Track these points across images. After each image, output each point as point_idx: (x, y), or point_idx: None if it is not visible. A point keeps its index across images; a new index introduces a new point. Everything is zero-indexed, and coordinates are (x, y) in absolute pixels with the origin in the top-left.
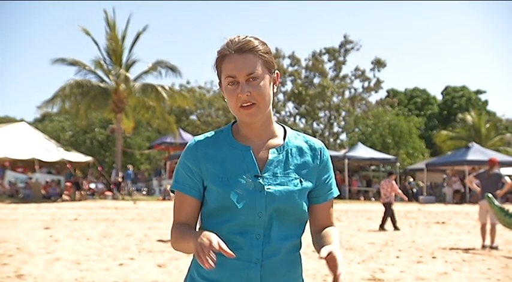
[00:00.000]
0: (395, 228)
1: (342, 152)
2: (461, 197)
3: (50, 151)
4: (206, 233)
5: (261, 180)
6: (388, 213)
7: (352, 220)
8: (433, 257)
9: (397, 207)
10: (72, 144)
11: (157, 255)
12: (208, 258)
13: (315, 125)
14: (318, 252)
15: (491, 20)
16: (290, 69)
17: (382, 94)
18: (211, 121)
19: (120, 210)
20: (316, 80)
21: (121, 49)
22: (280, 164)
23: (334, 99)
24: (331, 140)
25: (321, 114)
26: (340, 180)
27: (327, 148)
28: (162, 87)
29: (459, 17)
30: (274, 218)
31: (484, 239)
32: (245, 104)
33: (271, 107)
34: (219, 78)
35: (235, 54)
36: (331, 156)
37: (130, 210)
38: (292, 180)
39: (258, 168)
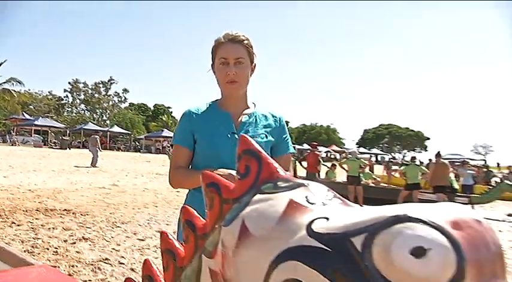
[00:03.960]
0: None
1: (106, 128)
2: None
3: None
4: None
5: (236, 136)
6: None
7: None
8: None
9: None
10: None
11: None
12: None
13: (95, 115)
14: None
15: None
16: (83, 89)
17: (126, 104)
18: (41, 109)
19: None
20: (96, 95)
21: None
22: (251, 125)
23: (105, 104)
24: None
25: (98, 111)
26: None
27: (100, 126)
28: (14, 90)
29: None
30: None
31: None
32: (230, 81)
33: (247, 87)
34: (213, 61)
35: (228, 43)
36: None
37: None
38: (260, 134)
39: (234, 127)
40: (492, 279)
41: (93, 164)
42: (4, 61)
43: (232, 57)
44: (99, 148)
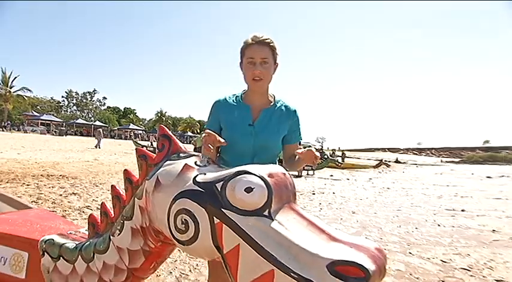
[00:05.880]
0: None
1: (90, 123)
2: None
3: None
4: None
5: (252, 127)
6: None
7: None
8: None
9: None
10: None
11: None
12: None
13: (83, 113)
14: (292, 165)
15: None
16: (75, 96)
17: (105, 107)
18: (45, 109)
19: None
20: (84, 101)
21: (7, 81)
22: (268, 117)
23: (90, 107)
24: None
25: (85, 111)
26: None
27: (87, 121)
28: (26, 96)
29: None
30: (259, 151)
31: None
32: (256, 78)
33: (269, 83)
34: (241, 59)
35: (255, 44)
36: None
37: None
38: (273, 127)
39: (252, 119)
40: (287, 203)
41: (98, 146)
42: (18, 76)
43: (258, 57)
44: (101, 137)
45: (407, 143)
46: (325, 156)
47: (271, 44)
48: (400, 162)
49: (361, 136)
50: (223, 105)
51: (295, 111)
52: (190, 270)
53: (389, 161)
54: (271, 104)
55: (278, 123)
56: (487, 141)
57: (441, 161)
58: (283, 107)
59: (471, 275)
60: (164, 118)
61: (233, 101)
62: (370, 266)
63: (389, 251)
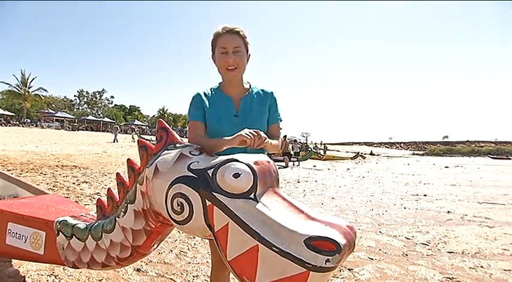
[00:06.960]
0: None
1: (100, 119)
2: None
3: None
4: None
5: (237, 118)
6: None
7: None
8: None
9: None
10: (7, 110)
11: None
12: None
13: (93, 111)
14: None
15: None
16: (86, 95)
17: (113, 105)
18: (59, 107)
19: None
20: (94, 99)
21: (26, 82)
22: (248, 105)
23: (99, 105)
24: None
25: (95, 109)
26: None
27: (96, 118)
28: (42, 95)
29: None
30: None
31: None
32: (230, 67)
33: (244, 73)
34: (213, 51)
35: (227, 34)
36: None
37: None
38: (255, 113)
39: (235, 110)
40: (270, 187)
41: (115, 140)
42: (35, 77)
43: (231, 47)
44: (118, 132)
45: (380, 137)
46: (309, 149)
47: (241, 33)
48: (374, 155)
49: (341, 131)
50: (206, 98)
51: (272, 93)
52: (188, 249)
53: (364, 154)
54: (248, 91)
55: (259, 107)
56: (446, 137)
57: (413, 154)
58: (260, 91)
59: (429, 249)
60: (166, 115)
61: (213, 94)
62: (341, 240)
63: (362, 231)
